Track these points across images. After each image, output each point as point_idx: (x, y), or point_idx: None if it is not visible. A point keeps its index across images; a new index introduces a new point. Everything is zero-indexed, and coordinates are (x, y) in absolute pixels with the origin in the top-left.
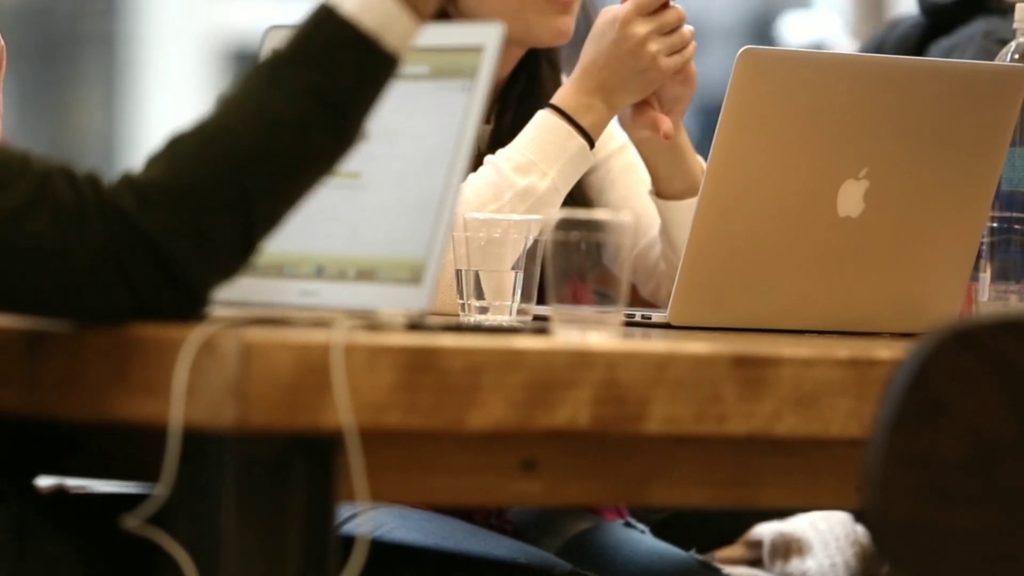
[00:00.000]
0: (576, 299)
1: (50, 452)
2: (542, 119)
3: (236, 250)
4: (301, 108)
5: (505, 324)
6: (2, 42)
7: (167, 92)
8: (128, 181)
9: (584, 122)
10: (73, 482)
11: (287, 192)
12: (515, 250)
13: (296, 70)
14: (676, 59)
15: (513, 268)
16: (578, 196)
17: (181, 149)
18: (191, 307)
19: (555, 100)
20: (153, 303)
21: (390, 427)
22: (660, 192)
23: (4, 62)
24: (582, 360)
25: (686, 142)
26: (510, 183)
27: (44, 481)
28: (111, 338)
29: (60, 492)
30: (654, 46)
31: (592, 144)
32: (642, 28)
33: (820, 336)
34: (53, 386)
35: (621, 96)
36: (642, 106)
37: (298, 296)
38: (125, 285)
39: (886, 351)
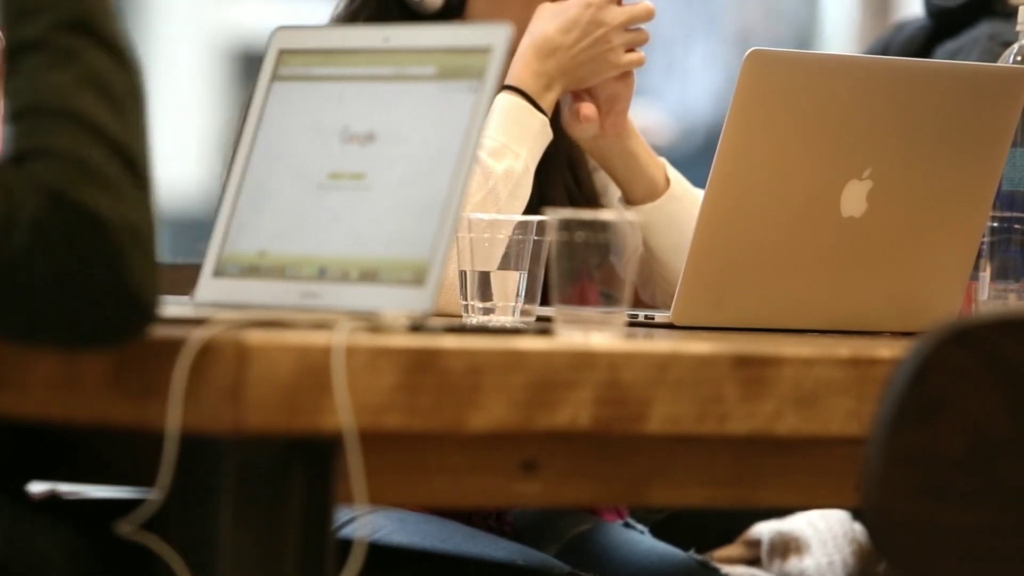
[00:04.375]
0: (581, 300)
1: (44, 457)
2: (505, 102)
3: (128, 175)
4: (59, 35)
5: (508, 325)
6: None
7: (172, 92)
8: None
9: (544, 103)
10: (66, 487)
11: (120, 112)
12: (518, 250)
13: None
14: (632, 57)
15: (517, 269)
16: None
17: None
18: (137, 256)
19: (514, 81)
20: (101, 275)
21: (390, 429)
22: (625, 198)
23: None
24: (583, 360)
25: (640, 145)
26: (491, 170)
27: (37, 487)
28: None
29: (53, 497)
30: (617, 39)
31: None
32: (615, 17)
33: (822, 335)
34: (47, 390)
35: (572, 80)
36: (575, 97)
37: (300, 298)
38: (73, 262)
39: (886, 350)
